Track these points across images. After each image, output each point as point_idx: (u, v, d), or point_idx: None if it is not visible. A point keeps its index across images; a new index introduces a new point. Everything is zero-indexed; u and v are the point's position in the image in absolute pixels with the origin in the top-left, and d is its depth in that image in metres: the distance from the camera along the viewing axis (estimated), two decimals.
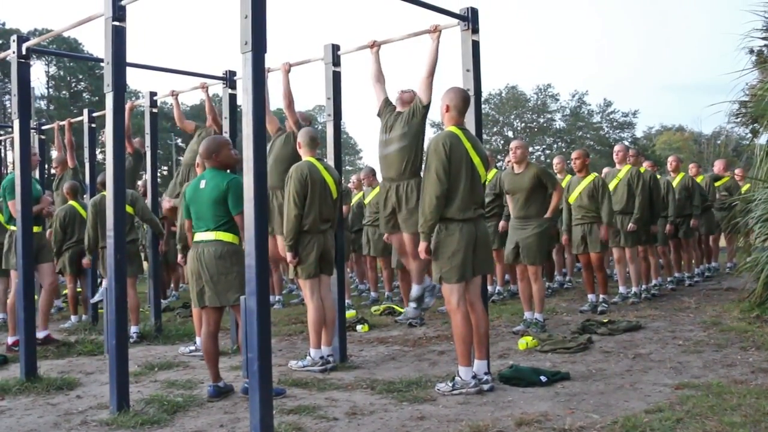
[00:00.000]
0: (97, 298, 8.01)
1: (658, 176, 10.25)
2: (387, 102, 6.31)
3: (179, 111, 8.63)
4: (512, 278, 10.03)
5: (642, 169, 9.33)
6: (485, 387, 4.98)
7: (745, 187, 11.99)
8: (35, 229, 7.23)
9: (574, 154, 8.86)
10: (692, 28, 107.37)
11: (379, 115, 6.33)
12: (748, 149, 10.43)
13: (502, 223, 8.98)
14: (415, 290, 6.21)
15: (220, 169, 5.25)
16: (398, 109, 6.23)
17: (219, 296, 5.10)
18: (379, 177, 10.47)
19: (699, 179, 11.48)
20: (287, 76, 6.69)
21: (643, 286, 9.27)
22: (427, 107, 5.99)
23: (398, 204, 6.10)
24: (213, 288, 5.10)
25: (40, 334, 7.19)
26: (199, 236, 5.22)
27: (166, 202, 8.11)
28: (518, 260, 7.56)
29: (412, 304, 6.29)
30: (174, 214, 7.97)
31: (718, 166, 12.05)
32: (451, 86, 5.23)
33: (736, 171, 12.85)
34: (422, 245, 5.05)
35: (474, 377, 4.97)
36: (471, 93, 5.41)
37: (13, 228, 7.10)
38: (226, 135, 7.33)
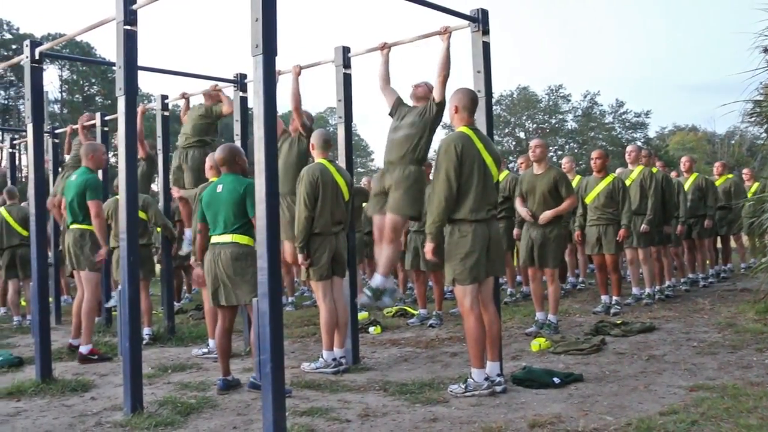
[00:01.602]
0: (111, 303, 7.99)
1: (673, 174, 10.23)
2: (400, 101, 6.16)
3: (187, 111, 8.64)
4: (524, 280, 9.99)
5: (654, 170, 9.28)
6: (498, 389, 4.97)
7: (753, 187, 11.93)
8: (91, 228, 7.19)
9: (594, 154, 8.82)
10: (704, 27, 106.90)
11: (391, 114, 6.10)
12: (763, 149, 10.34)
13: (516, 231, 8.89)
14: (378, 280, 5.70)
15: (238, 174, 5.52)
16: (412, 103, 6.09)
17: (236, 295, 5.35)
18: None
19: (722, 180, 11.41)
20: (297, 79, 6.69)
21: (657, 287, 9.21)
22: (440, 105, 5.75)
23: (393, 186, 5.71)
24: (229, 288, 5.34)
25: (84, 349, 6.79)
26: (216, 239, 5.45)
27: (174, 192, 8.12)
28: (533, 263, 7.50)
29: (368, 292, 5.79)
30: (185, 203, 7.99)
31: (717, 168, 12.00)
32: (458, 87, 5.21)
33: (744, 171, 12.78)
34: (428, 246, 5.04)
35: (487, 379, 4.96)
36: (482, 94, 5.40)
37: (77, 226, 6.95)
38: (238, 138, 7.38)
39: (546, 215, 7.36)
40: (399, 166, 5.73)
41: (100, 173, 7.31)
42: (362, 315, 8.42)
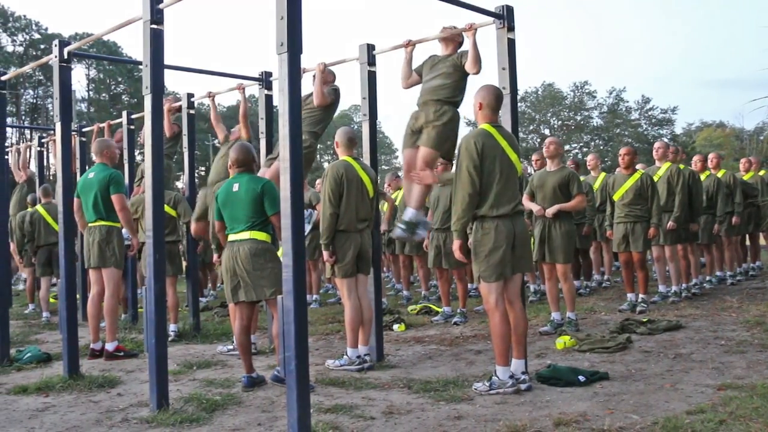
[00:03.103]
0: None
1: (708, 173, 10.15)
2: (424, 62, 6.09)
3: (216, 113, 8.70)
4: (542, 277, 9.93)
5: (681, 167, 9.17)
6: (523, 387, 4.95)
7: None
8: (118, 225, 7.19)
9: (622, 150, 8.80)
10: (732, 22, 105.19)
11: (420, 72, 6.05)
12: None
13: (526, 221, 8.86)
14: (410, 213, 5.79)
15: (253, 173, 5.65)
16: (442, 50, 6.00)
17: (255, 291, 5.40)
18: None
19: (749, 175, 11.28)
20: (321, 76, 6.71)
21: (683, 285, 9.11)
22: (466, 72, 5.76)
23: (427, 123, 5.74)
24: (248, 284, 5.39)
25: (110, 346, 6.79)
26: (234, 236, 5.51)
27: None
28: (544, 258, 7.50)
29: (401, 225, 5.83)
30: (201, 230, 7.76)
31: (744, 164, 11.85)
32: (483, 84, 5.19)
33: None
34: (456, 244, 5.04)
35: (511, 377, 4.94)
36: (507, 91, 5.37)
37: (103, 223, 6.83)
38: (263, 136, 7.41)
39: (552, 209, 7.38)
40: (434, 106, 5.75)
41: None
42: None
